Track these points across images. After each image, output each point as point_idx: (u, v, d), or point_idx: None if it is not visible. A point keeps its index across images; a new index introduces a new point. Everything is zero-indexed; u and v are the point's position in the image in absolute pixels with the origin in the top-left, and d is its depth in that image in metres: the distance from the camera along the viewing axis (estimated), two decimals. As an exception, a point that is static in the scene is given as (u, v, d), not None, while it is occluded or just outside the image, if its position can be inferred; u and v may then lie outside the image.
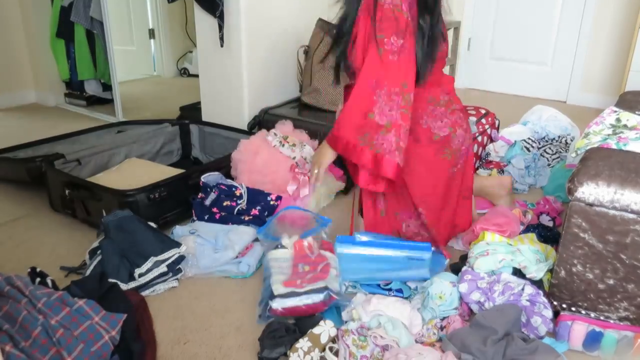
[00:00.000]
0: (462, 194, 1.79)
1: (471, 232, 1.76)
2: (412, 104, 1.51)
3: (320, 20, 2.58)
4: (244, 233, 1.77)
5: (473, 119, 2.54)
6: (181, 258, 1.65)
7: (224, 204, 1.94)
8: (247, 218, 1.91)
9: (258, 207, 1.94)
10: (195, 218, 1.94)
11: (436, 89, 1.65)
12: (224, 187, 1.97)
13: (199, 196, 1.98)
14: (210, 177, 2.01)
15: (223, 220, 1.91)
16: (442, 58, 1.65)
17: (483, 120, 2.57)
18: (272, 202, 1.97)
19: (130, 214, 1.70)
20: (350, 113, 1.51)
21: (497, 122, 2.71)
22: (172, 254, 1.62)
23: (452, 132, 1.66)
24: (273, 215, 1.96)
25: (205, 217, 1.92)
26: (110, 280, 1.51)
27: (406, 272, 1.58)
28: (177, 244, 1.66)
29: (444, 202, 1.72)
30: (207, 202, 1.94)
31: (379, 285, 1.58)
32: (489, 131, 2.61)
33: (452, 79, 1.73)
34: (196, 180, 2.01)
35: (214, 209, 1.93)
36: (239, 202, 1.95)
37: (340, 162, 2.32)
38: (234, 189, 1.98)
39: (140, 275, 1.56)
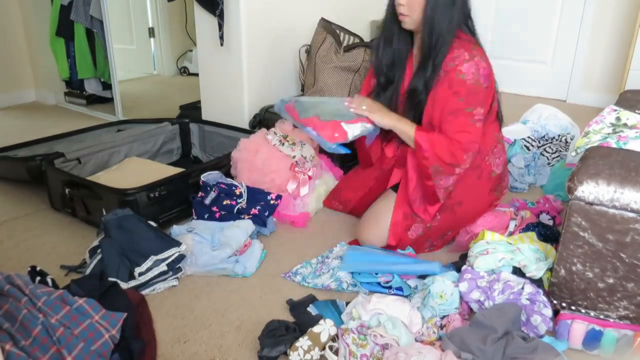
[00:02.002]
0: None
1: (464, 233, 1.78)
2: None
3: (322, 19, 2.58)
4: (238, 229, 1.76)
5: None
6: (181, 257, 1.65)
7: (224, 202, 1.94)
8: (247, 217, 1.90)
9: (258, 207, 1.94)
10: (195, 217, 1.94)
11: (498, 127, 1.76)
12: (223, 185, 1.97)
13: (198, 195, 1.98)
14: (210, 176, 2.01)
15: (223, 219, 1.91)
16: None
17: None
18: (272, 202, 1.97)
19: (130, 212, 1.70)
20: (440, 154, 1.61)
21: None
22: (172, 252, 1.62)
23: (504, 170, 1.79)
24: (272, 214, 1.98)
25: (205, 216, 1.92)
26: (110, 279, 1.51)
27: (412, 267, 1.61)
28: (177, 243, 1.66)
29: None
30: (207, 201, 1.94)
31: (379, 283, 1.58)
32: None
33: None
34: (196, 179, 2.01)
35: (214, 208, 1.93)
36: (238, 200, 1.95)
37: (340, 162, 2.33)
38: (233, 187, 1.98)
39: (140, 274, 1.56)
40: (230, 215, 1.91)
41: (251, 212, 1.92)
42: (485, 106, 1.62)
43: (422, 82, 1.63)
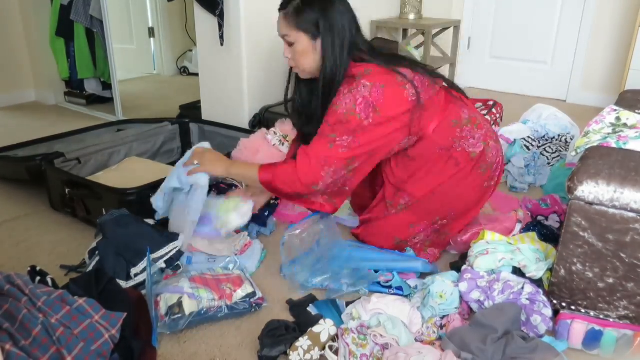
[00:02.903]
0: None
1: (464, 232, 1.77)
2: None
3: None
4: (236, 213, 1.72)
5: (484, 111, 2.57)
6: (179, 253, 1.64)
7: None
8: None
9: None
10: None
11: (456, 110, 1.66)
12: (223, 185, 1.97)
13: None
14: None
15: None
16: (442, 86, 1.69)
17: (494, 110, 2.61)
18: (272, 202, 1.96)
19: (127, 212, 1.70)
20: (287, 181, 1.58)
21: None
22: (168, 249, 1.61)
23: (486, 145, 1.68)
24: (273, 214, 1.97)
25: None
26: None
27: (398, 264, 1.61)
28: (175, 237, 1.65)
29: (466, 214, 1.74)
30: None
31: (378, 283, 1.58)
32: (499, 121, 2.66)
33: (462, 95, 1.74)
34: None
35: None
36: None
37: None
38: (233, 187, 1.97)
39: (136, 274, 1.55)
40: None
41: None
42: (357, 135, 1.53)
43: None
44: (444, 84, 1.71)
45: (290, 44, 1.59)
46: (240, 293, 1.46)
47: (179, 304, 1.38)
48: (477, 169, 1.68)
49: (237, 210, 1.73)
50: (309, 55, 1.58)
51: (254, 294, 1.48)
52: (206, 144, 1.76)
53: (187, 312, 1.37)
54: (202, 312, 1.40)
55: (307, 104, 1.75)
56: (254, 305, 1.47)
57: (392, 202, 1.72)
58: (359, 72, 1.55)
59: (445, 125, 1.63)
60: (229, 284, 1.48)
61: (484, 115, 2.66)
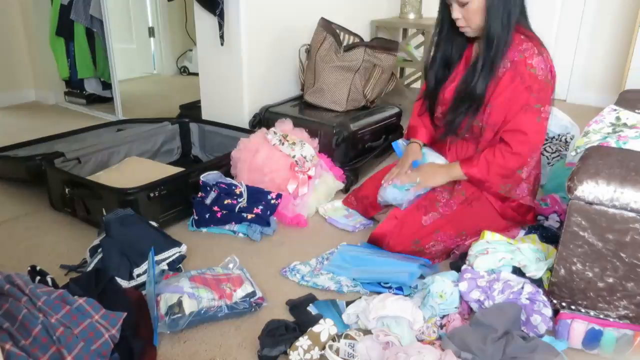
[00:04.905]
0: None
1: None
2: None
3: (322, 19, 2.58)
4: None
5: None
6: (182, 257, 1.65)
7: (225, 202, 1.94)
8: (249, 216, 1.90)
9: (260, 207, 1.94)
10: (196, 217, 1.94)
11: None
12: (223, 185, 1.97)
13: (199, 195, 1.98)
14: (209, 176, 2.01)
15: (225, 219, 1.91)
16: None
17: None
18: (273, 201, 1.97)
19: (132, 212, 1.70)
20: (501, 166, 1.65)
21: None
22: (172, 253, 1.62)
23: (534, 182, 1.82)
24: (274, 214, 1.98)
25: (207, 216, 1.92)
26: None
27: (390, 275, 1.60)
28: (178, 243, 1.66)
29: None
30: (208, 201, 1.94)
31: (379, 283, 1.58)
32: None
33: None
34: (196, 179, 2.01)
35: (215, 208, 1.93)
36: (239, 200, 1.95)
37: (340, 162, 2.33)
38: (233, 187, 1.98)
39: (139, 275, 1.56)
40: (232, 214, 1.91)
41: (254, 212, 1.92)
42: (551, 104, 1.63)
43: (479, 80, 1.63)
44: None
45: (463, 4, 1.59)
46: (240, 293, 1.46)
47: (179, 303, 1.38)
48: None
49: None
50: (480, 14, 1.58)
51: (253, 293, 1.48)
52: (403, 143, 1.90)
53: (187, 312, 1.38)
54: (202, 311, 1.40)
55: (440, 68, 1.78)
56: (254, 305, 1.48)
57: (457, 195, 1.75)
58: (534, 36, 1.61)
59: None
60: (229, 284, 1.48)
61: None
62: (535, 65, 1.56)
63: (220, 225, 1.93)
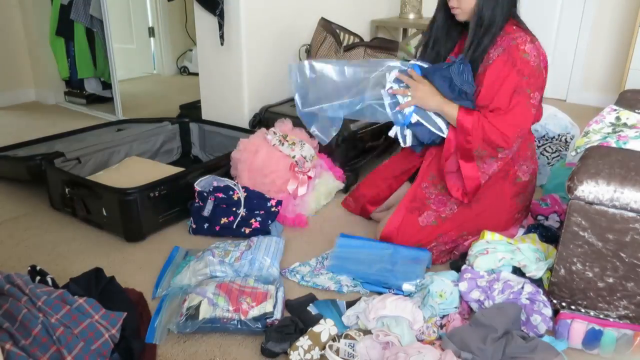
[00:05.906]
0: None
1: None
2: None
3: (322, 19, 2.58)
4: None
5: None
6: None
7: (222, 221, 1.88)
8: (248, 231, 1.87)
9: (259, 218, 1.89)
10: (193, 225, 1.91)
11: (534, 137, 1.77)
12: (220, 194, 1.92)
13: (196, 200, 1.94)
14: (202, 182, 1.95)
15: (223, 233, 1.88)
16: None
17: None
18: (272, 209, 1.93)
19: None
20: (488, 135, 1.60)
21: None
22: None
23: (532, 179, 1.76)
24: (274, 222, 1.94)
25: (205, 226, 1.90)
26: (108, 275, 1.50)
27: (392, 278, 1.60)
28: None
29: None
30: (205, 212, 1.89)
31: (380, 282, 1.58)
32: None
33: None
34: (196, 179, 1.99)
35: (213, 222, 1.90)
36: (237, 211, 1.90)
37: (340, 162, 2.33)
38: (231, 192, 1.93)
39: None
40: (230, 230, 1.89)
41: (252, 226, 1.88)
42: (541, 93, 1.62)
43: (469, 57, 1.64)
44: None
45: None
46: (255, 311, 1.39)
47: (197, 306, 1.38)
48: (516, 198, 1.75)
49: None
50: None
51: (271, 314, 1.40)
52: (397, 63, 1.75)
53: (200, 317, 1.37)
54: (214, 320, 1.38)
55: (437, 41, 1.80)
56: (270, 326, 1.38)
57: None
58: (526, 29, 1.63)
59: (525, 142, 1.71)
60: (248, 298, 1.42)
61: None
62: (528, 51, 1.57)
63: (218, 237, 1.89)
